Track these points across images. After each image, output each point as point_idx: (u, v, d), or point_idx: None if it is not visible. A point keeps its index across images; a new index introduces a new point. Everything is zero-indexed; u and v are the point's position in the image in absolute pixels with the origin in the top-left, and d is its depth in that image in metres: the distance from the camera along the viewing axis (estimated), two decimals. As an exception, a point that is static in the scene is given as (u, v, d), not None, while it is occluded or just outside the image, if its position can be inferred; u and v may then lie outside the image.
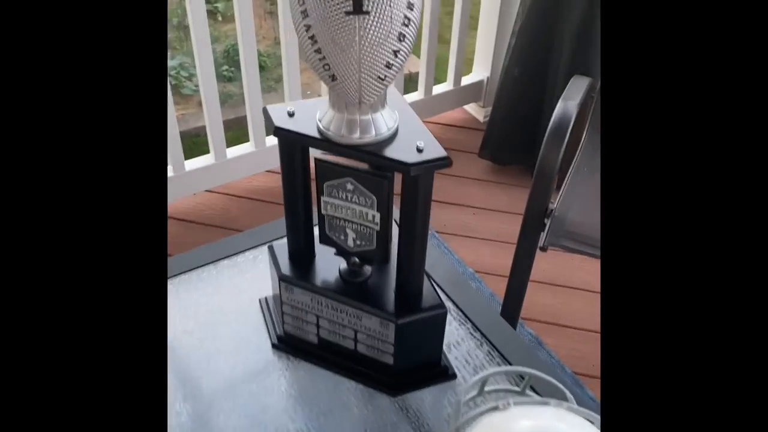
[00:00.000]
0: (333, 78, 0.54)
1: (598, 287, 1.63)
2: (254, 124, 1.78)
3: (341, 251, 0.74)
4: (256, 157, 1.83)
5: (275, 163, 0.86)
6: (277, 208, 0.74)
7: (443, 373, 0.77)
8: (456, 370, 0.78)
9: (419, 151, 0.61)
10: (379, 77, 0.54)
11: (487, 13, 1.98)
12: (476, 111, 2.15)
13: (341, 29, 0.51)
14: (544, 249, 1.08)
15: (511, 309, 1.23)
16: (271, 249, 0.78)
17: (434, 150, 0.62)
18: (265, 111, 0.66)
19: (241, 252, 0.93)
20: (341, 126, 0.62)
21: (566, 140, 1.06)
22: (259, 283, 0.86)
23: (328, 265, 0.76)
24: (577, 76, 1.26)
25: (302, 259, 0.76)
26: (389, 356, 0.74)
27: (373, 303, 0.72)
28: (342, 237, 0.71)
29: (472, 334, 0.82)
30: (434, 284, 0.77)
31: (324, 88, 0.63)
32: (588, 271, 1.62)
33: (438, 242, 1.71)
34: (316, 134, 0.64)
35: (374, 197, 0.66)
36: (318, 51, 0.53)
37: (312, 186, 0.70)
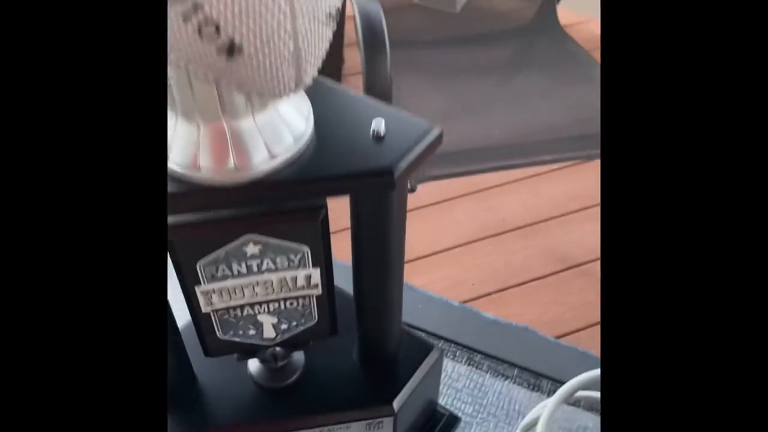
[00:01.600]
0: (230, 50, 0.21)
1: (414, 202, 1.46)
2: None
3: (249, 351, 0.42)
4: None
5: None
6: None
7: (448, 422, 0.52)
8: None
9: (378, 138, 0.32)
10: (329, 14, 0.23)
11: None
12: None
13: None
14: (413, 190, 0.84)
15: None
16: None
17: (406, 126, 0.33)
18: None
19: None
20: (225, 150, 0.29)
21: (388, 48, 0.80)
22: None
23: (230, 377, 0.44)
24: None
25: (185, 390, 0.43)
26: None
27: (340, 405, 0.43)
28: (252, 332, 0.40)
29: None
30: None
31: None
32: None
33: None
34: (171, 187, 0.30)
35: (305, 247, 0.35)
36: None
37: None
